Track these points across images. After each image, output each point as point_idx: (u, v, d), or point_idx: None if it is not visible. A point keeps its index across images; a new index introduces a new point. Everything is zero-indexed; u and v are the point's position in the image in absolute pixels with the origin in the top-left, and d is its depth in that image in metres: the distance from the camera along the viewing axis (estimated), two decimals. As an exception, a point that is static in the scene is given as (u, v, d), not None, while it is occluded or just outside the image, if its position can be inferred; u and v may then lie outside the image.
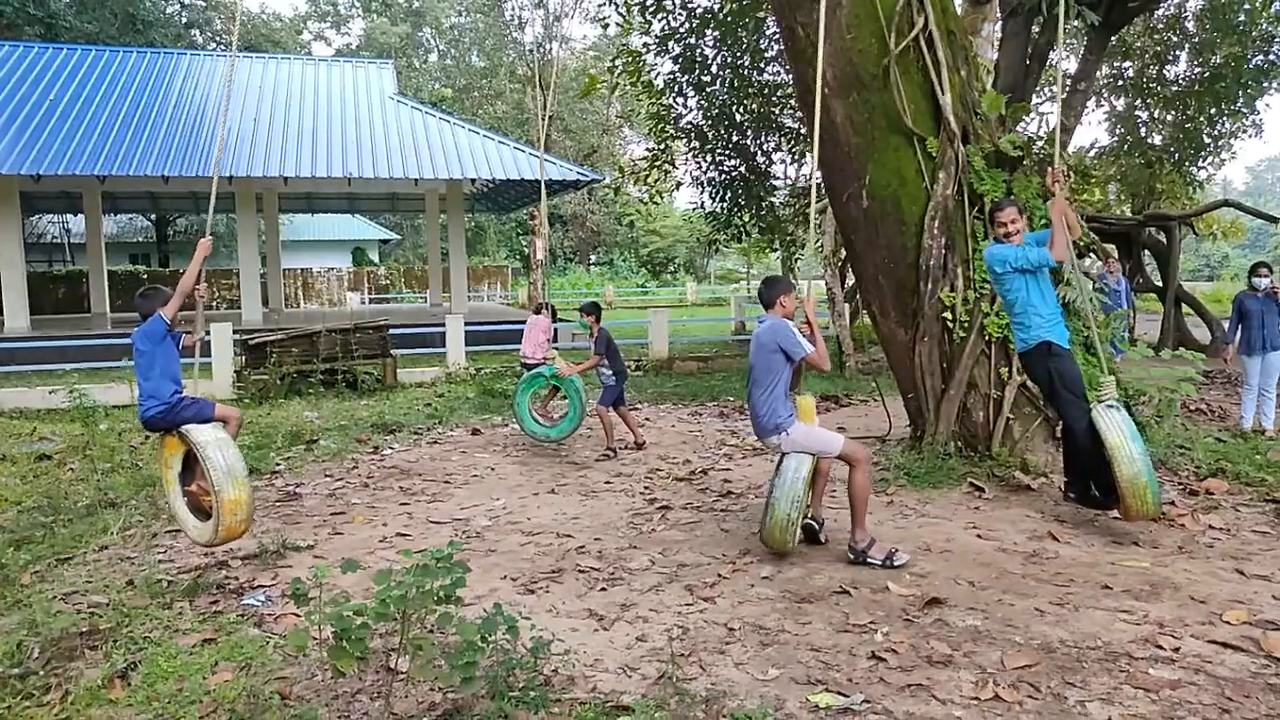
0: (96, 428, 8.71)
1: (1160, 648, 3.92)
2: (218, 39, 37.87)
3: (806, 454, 5.10)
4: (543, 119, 9.55)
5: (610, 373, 8.65)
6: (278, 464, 8.22)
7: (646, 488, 7.23)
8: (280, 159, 18.49)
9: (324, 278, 35.48)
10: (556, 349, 9.07)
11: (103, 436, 8.81)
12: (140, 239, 39.29)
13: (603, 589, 4.85)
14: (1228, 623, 4.19)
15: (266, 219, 25.75)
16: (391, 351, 13.64)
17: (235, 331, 13.37)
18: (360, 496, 7.08)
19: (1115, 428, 5.36)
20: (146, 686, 3.71)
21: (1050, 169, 5.78)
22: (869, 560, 5.04)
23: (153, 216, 35.82)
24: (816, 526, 5.47)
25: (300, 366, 12.52)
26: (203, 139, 18.64)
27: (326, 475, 7.84)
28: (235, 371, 12.77)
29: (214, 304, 31.36)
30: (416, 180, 19.27)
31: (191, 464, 5.21)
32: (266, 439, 9.15)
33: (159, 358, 5.21)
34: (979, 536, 5.59)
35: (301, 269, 35.44)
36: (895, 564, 5.00)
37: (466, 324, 15.68)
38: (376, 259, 44.43)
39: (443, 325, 15.38)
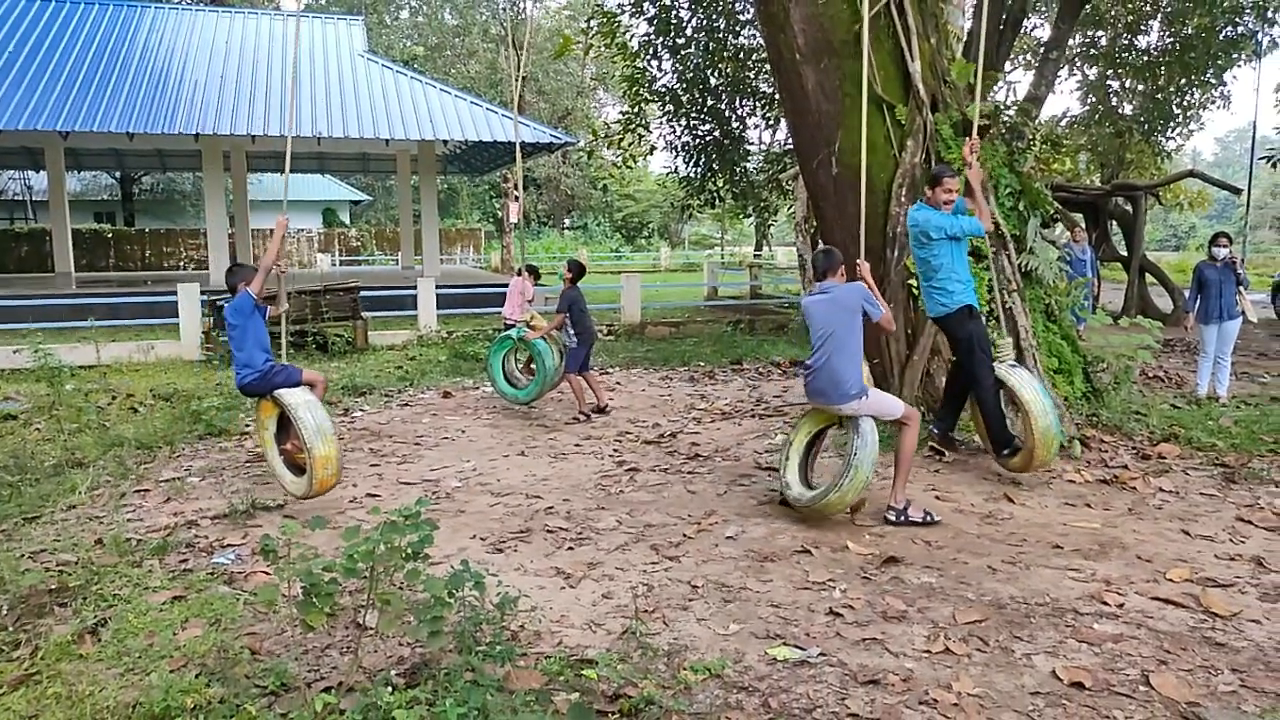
0: (62, 388, 8.65)
1: (1105, 604, 4.08)
2: (183, -8, 36.86)
3: (872, 417, 5.19)
4: (517, 80, 9.48)
5: (573, 334, 8.55)
6: (247, 425, 8.21)
7: (615, 450, 7.32)
8: (248, 117, 18.18)
9: (293, 239, 35.04)
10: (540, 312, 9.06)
11: (69, 397, 8.75)
12: (105, 197, 38.51)
13: (570, 548, 4.94)
14: (1171, 580, 4.36)
15: (234, 178, 25.33)
16: (362, 314, 13.58)
17: (203, 292, 13.23)
18: (330, 458, 7.09)
19: (1028, 385, 5.78)
20: (117, 642, 3.76)
21: (968, 139, 5.89)
22: (909, 519, 5.19)
23: (117, 174, 35.13)
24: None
25: (269, 328, 12.41)
26: (169, 94, 18.26)
27: (296, 437, 7.85)
28: (203, 333, 12.67)
29: (181, 264, 30.99)
30: (388, 140, 19.02)
31: (285, 425, 5.60)
32: (235, 400, 9.11)
33: (250, 330, 5.61)
34: (937, 498, 5.75)
35: (270, 229, 34.98)
36: (934, 520, 5.20)
37: (438, 287, 15.61)
38: (347, 220, 43.90)
39: (414, 288, 15.32)
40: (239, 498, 5.75)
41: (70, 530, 5.26)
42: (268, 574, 4.40)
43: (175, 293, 12.95)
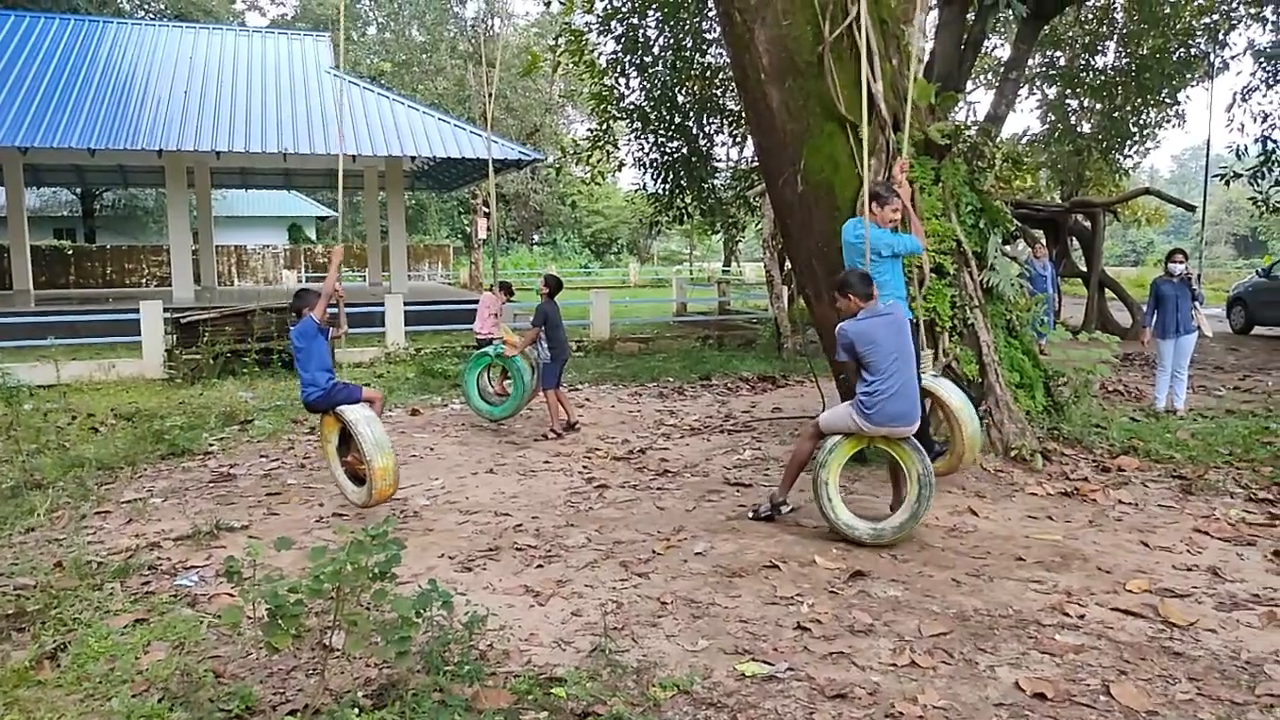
0: (21, 407, 8.50)
1: (1067, 615, 4.15)
2: (145, 6, 36.56)
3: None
4: (489, 96, 9.48)
5: (546, 349, 8.52)
6: (211, 445, 8.11)
7: (585, 467, 7.32)
8: (213, 133, 18.02)
9: (259, 255, 34.72)
10: (513, 328, 9.08)
11: (28, 417, 8.59)
12: (65, 213, 37.94)
13: (539, 566, 4.94)
14: (1130, 591, 4.45)
15: (198, 194, 25.08)
16: (329, 331, 13.46)
17: (166, 310, 13.06)
18: (296, 477, 7.05)
19: (954, 394, 6.01)
20: (76, 667, 3.69)
21: (899, 159, 6.02)
22: None
23: (78, 190, 34.62)
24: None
25: (234, 346, 12.31)
26: (130, 110, 18.07)
27: (262, 456, 7.77)
28: (166, 350, 12.50)
29: (143, 281, 30.57)
30: (355, 157, 18.95)
31: (346, 439, 5.90)
32: (199, 419, 9.01)
33: (314, 352, 5.93)
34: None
35: (235, 246, 34.63)
36: None
37: (406, 304, 15.55)
38: (314, 236, 43.56)
39: (382, 305, 15.23)
40: (202, 519, 5.68)
41: (29, 553, 5.16)
42: (232, 596, 4.34)
43: (137, 310, 12.78)
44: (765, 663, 3.71)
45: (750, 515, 5.75)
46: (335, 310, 6.44)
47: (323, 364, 5.92)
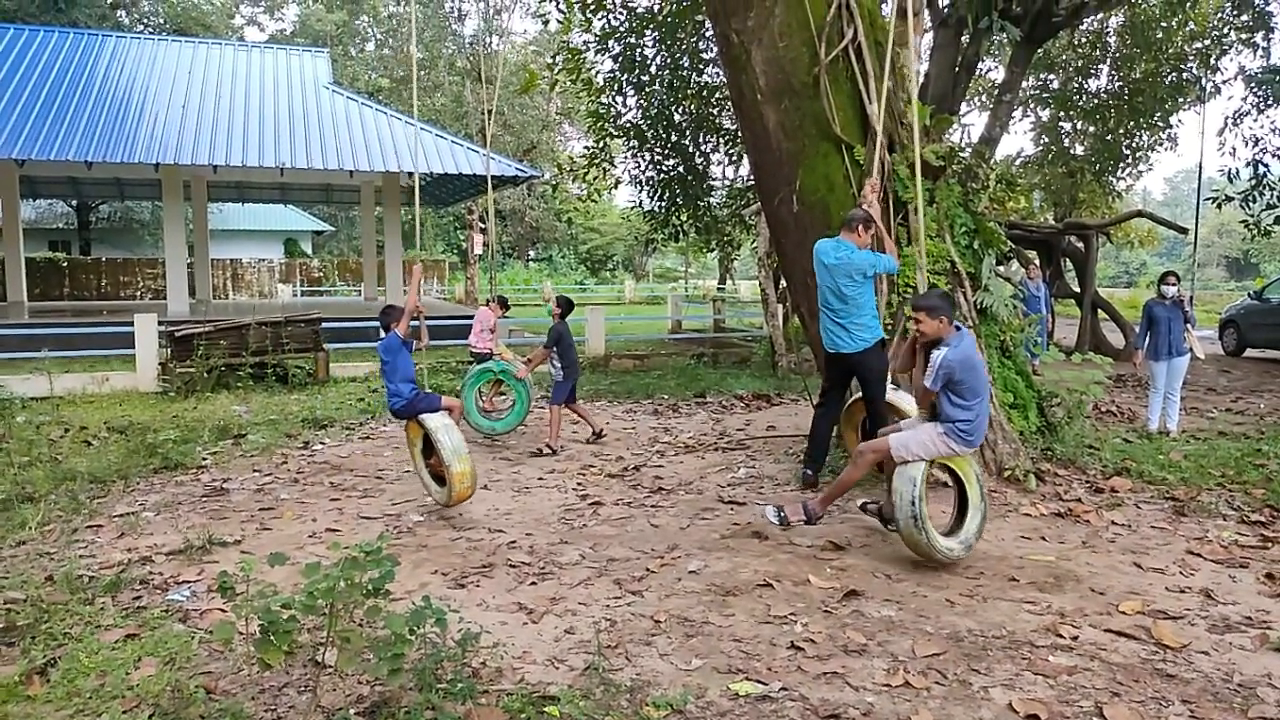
0: (13, 420, 8.47)
1: (1060, 636, 4.15)
2: (144, 20, 36.71)
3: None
4: (487, 113, 9.56)
5: (559, 368, 8.71)
6: (204, 459, 8.09)
7: (579, 484, 7.31)
8: (210, 147, 18.06)
9: (254, 269, 34.70)
10: (508, 344, 9.18)
11: (20, 429, 8.56)
12: (60, 225, 37.93)
13: (533, 583, 4.93)
14: (1123, 612, 4.45)
15: (195, 207, 25.10)
16: (324, 345, 13.47)
17: (161, 323, 13.04)
18: (289, 492, 7.03)
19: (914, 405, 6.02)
20: (66, 682, 3.67)
21: (868, 181, 6.08)
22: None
23: (74, 202, 34.63)
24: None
25: (229, 359, 12.28)
26: (128, 124, 18.11)
27: (255, 470, 7.75)
28: (160, 364, 12.47)
29: (138, 294, 30.53)
30: (352, 172, 19.01)
31: (430, 443, 6.30)
32: (193, 433, 8.99)
33: (399, 364, 6.40)
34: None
35: (231, 259, 34.61)
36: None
37: (401, 318, 15.51)
38: (309, 250, 43.59)
39: (377, 319, 15.19)
40: (195, 533, 5.65)
41: (19, 567, 5.13)
42: (224, 611, 4.32)
43: (132, 323, 12.76)
44: (759, 682, 3.70)
45: (776, 521, 5.73)
46: (417, 324, 6.81)
47: (406, 375, 6.36)
